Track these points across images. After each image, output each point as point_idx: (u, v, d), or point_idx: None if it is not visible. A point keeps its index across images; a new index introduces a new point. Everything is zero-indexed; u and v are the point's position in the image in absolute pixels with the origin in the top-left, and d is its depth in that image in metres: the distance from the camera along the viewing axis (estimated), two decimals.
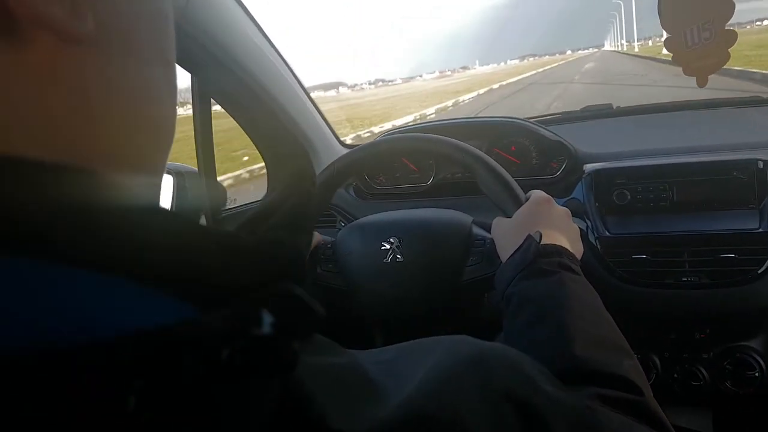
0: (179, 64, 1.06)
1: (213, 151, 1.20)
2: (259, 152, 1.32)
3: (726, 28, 0.71)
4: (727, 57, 0.72)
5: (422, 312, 0.85)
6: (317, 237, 0.90)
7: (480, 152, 0.80)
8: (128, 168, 0.26)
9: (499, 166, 0.79)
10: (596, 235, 1.03)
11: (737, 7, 0.71)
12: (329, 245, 0.90)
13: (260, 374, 0.21)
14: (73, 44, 0.23)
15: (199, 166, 1.20)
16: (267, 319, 0.21)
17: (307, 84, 1.36)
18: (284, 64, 1.23)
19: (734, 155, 1.02)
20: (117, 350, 0.18)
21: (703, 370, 1.02)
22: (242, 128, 1.23)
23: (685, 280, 0.96)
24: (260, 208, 0.30)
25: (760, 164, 0.98)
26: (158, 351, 0.19)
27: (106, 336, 0.18)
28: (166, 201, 1.17)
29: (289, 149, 1.31)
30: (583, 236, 1.02)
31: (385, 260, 0.84)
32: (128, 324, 0.19)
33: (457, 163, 0.82)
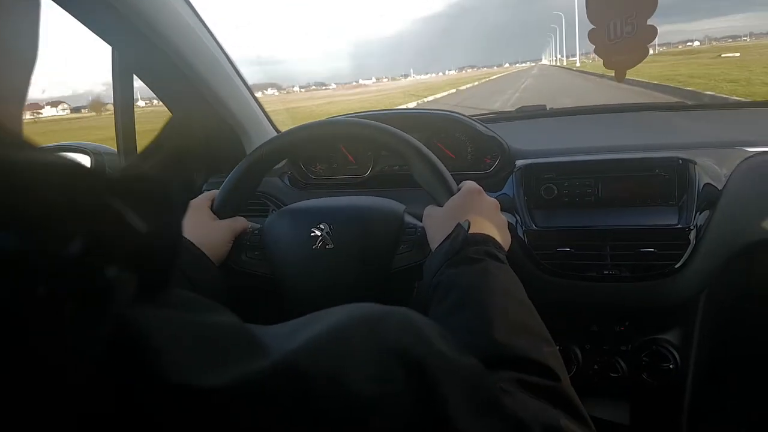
0: (99, 36, 1.00)
1: (134, 131, 1.14)
2: None
3: (647, 23, 0.74)
4: (646, 53, 0.75)
5: (351, 300, 0.83)
6: (243, 222, 0.86)
7: (415, 141, 0.79)
8: None
9: (433, 155, 0.78)
10: (524, 229, 1.04)
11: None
12: (256, 231, 0.87)
13: (71, 302, 0.19)
14: None
15: (119, 147, 1.13)
16: (76, 243, 0.19)
17: None
18: (216, 45, 1.18)
19: (657, 153, 1.06)
20: None
21: (622, 362, 1.05)
22: (167, 108, 1.18)
23: (606, 273, 0.98)
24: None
25: (680, 162, 1.02)
26: None
27: None
28: None
29: (220, 133, 1.27)
30: (512, 229, 1.03)
31: (314, 247, 0.81)
32: None
33: (391, 150, 0.80)
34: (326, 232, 0.81)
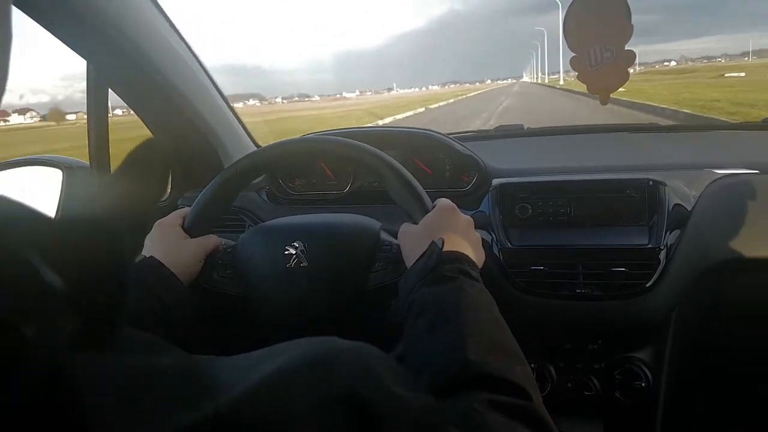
0: (73, 50, 0.99)
1: (108, 144, 1.12)
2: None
3: (626, 48, 0.76)
4: (627, 76, 0.77)
5: (325, 319, 0.82)
6: (216, 240, 0.85)
7: (391, 159, 0.79)
8: None
9: (409, 173, 0.78)
10: (499, 247, 1.05)
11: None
12: (229, 249, 0.86)
13: None
14: None
15: (91, 161, 1.11)
16: None
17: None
18: (193, 57, 1.17)
19: (628, 174, 1.08)
20: None
21: (595, 381, 1.06)
22: (144, 123, 1.16)
23: (579, 292, 1.00)
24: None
25: (651, 183, 1.04)
26: None
27: None
28: (53, 196, 1.08)
29: (196, 147, 1.26)
30: (487, 247, 1.04)
31: (288, 265, 0.80)
32: None
33: (367, 168, 0.80)
34: (300, 250, 0.80)
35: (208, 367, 0.30)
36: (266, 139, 1.42)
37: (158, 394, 0.26)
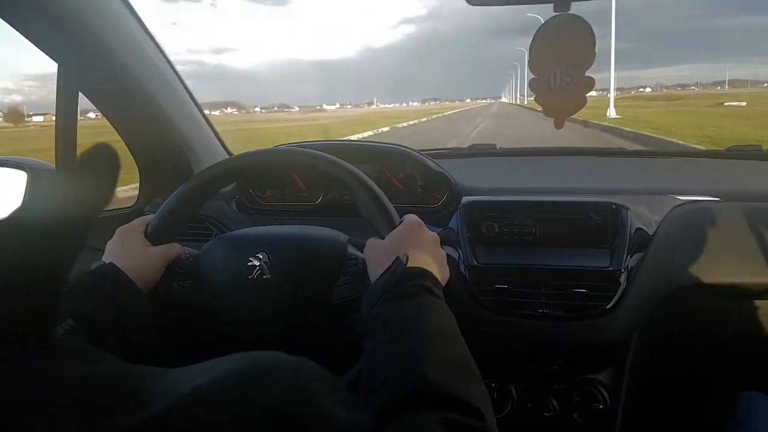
0: (45, 52, 0.98)
1: (75, 149, 1.10)
2: (132, 155, 1.24)
3: (586, 75, 0.77)
4: (584, 102, 0.78)
5: (287, 332, 0.82)
6: (178, 249, 0.84)
7: (360, 173, 0.80)
8: None
9: (378, 188, 0.79)
10: (466, 264, 1.06)
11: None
12: (191, 258, 0.85)
13: None
14: None
15: (58, 164, 1.09)
16: None
17: (200, 101, 1.31)
18: (168, 65, 1.17)
19: (592, 197, 1.10)
20: None
21: (555, 402, 1.07)
22: (114, 128, 1.15)
23: (541, 312, 1.01)
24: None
25: (614, 207, 1.06)
26: None
27: None
28: (17, 197, 1.05)
29: (167, 153, 1.24)
30: (454, 264, 1.05)
31: (250, 277, 0.79)
32: None
33: (337, 181, 0.80)
34: (264, 262, 0.80)
35: (143, 377, 0.30)
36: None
37: (88, 404, 0.26)
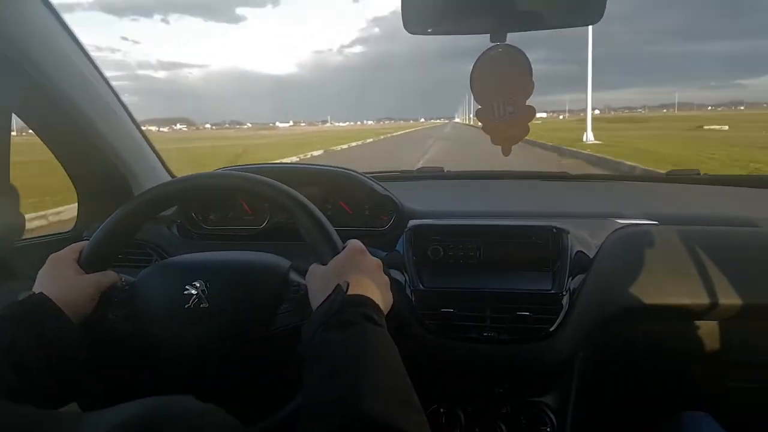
0: None
1: (8, 170, 1.05)
2: (69, 177, 1.18)
3: (527, 104, 0.80)
4: (527, 130, 0.80)
5: (226, 363, 0.79)
6: (113, 277, 0.80)
7: (302, 197, 0.78)
8: None
9: (320, 213, 0.77)
10: (411, 288, 1.06)
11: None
12: (127, 287, 0.81)
13: None
14: None
15: None
16: None
17: (149, 117, 1.29)
18: (105, 84, 1.13)
19: (534, 221, 1.13)
20: None
21: (502, 425, 1.07)
22: (50, 150, 1.10)
23: (486, 335, 1.01)
24: None
25: (555, 230, 1.09)
26: None
27: None
28: None
29: (105, 176, 1.19)
30: (401, 288, 1.04)
31: (187, 306, 0.76)
32: None
33: (278, 206, 0.79)
34: (201, 290, 0.77)
35: (42, 420, 0.28)
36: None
37: None
